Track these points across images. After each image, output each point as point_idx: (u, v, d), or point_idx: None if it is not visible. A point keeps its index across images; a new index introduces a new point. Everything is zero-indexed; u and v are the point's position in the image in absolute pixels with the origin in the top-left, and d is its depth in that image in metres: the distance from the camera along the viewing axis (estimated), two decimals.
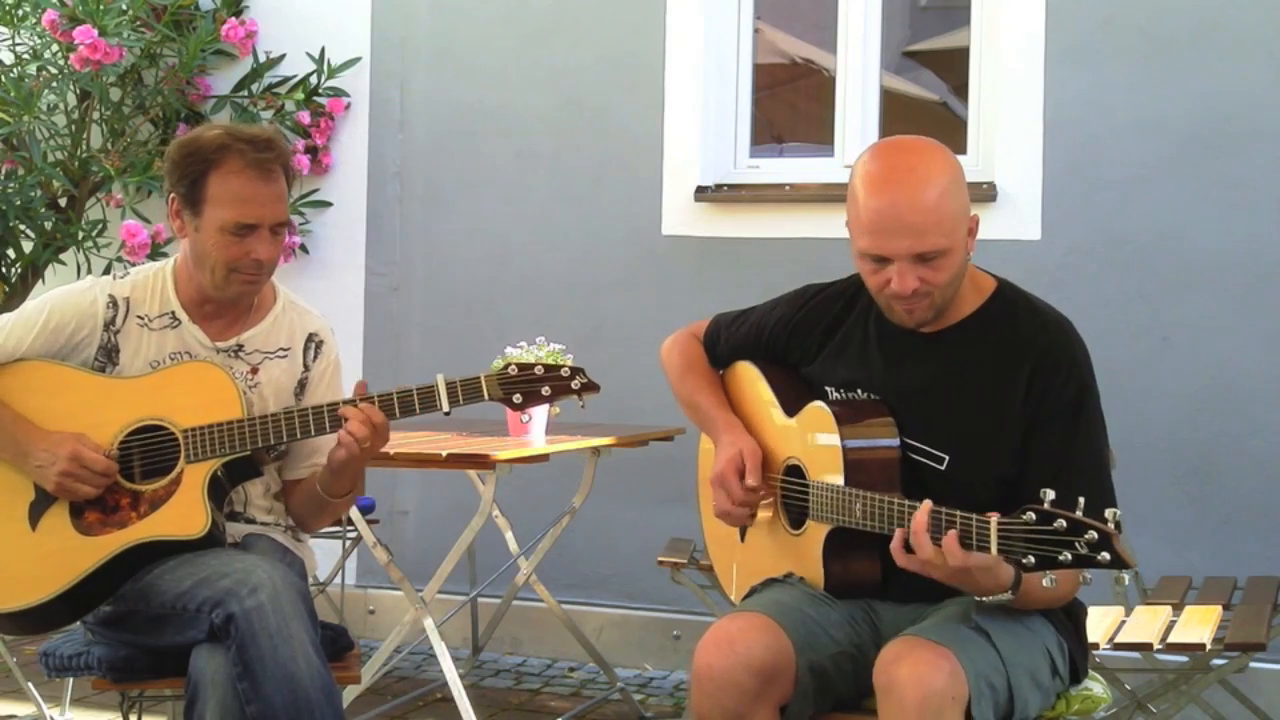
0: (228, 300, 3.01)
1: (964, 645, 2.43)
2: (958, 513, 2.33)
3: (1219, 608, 3.76)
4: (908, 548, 2.40)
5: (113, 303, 3.01)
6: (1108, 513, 2.18)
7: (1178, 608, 3.81)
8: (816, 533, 2.68)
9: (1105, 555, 2.15)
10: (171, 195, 2.98)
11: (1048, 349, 2.61)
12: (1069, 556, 2.17)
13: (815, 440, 2.71)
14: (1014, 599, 2.43)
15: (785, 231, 5.02)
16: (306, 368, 3.10)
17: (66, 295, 3.02)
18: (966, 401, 2.62)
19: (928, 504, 2.38)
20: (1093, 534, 2.16)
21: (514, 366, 2.88)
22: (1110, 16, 4.68)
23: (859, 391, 2.72)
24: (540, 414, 4.04)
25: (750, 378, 2.93)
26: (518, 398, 2.87)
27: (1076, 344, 2.64)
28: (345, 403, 2.89)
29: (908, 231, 2.51)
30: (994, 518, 2.27)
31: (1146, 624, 3.63)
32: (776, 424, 2.83)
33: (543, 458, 4.01)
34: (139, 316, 3.01)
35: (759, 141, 5.47)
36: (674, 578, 4.20)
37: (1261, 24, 4.54)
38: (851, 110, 5.08)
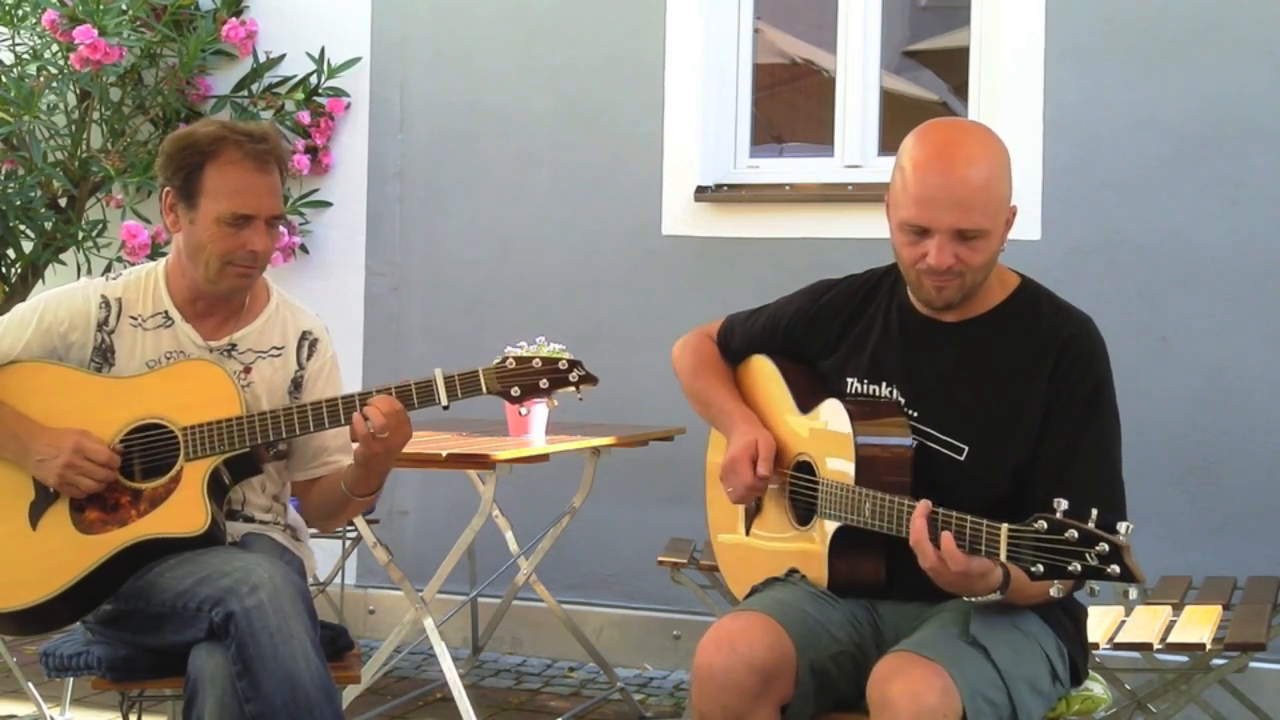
0: (221, 296, 3.01)
1: (958, 662, 2.43)
2: (967, 518, 2.34)
3: (1219, 608, 3.75)
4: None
5: (105, 303, 3.01)
6: (1120, 526, 2.18)
7: (1178, 608, 3.81)
8: (823, 530, 2.69)
9: (1115, 568, 2.16)
10: (166, 189, 2.98)
11: (1069, 344, 2.62)
12: (1078, 567, 2.18)
13: (827, 438, 2.71)
14: (1004, 598, 2.43)
15: (785, 231, 5.02)
16: (301, 366, 3.09)
17: (59, 296, 3.03)
18: (988, 393, 2.63)
19: (925, 504, 2.38)
20: (1104, 546, 2.16)
21: (512, 360, 2.87)
22: (1110, 16, 4.68)
23: (881, 384, 2.72)
24: (540, 412, 4.04)
25: (765, 373, 2.93)
26: (516, 390, 2.86)
27: (1097, 341, 2.66)
28: (346, 397, 2.89)
29: (955, 205, 2.53)
30: (1004, 526, 2.28)
31: (1146, 624, 3.63)
32: (789, 420, 2.83)
33: (543, 458, 4.01)
34: (132, 317, 3.01)
35: (759, 141, 5.47)
36: (674, 578, 4.20)
37: (1261, 24, 4.54)
38: (851, 110, 5.08)
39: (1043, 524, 2.22)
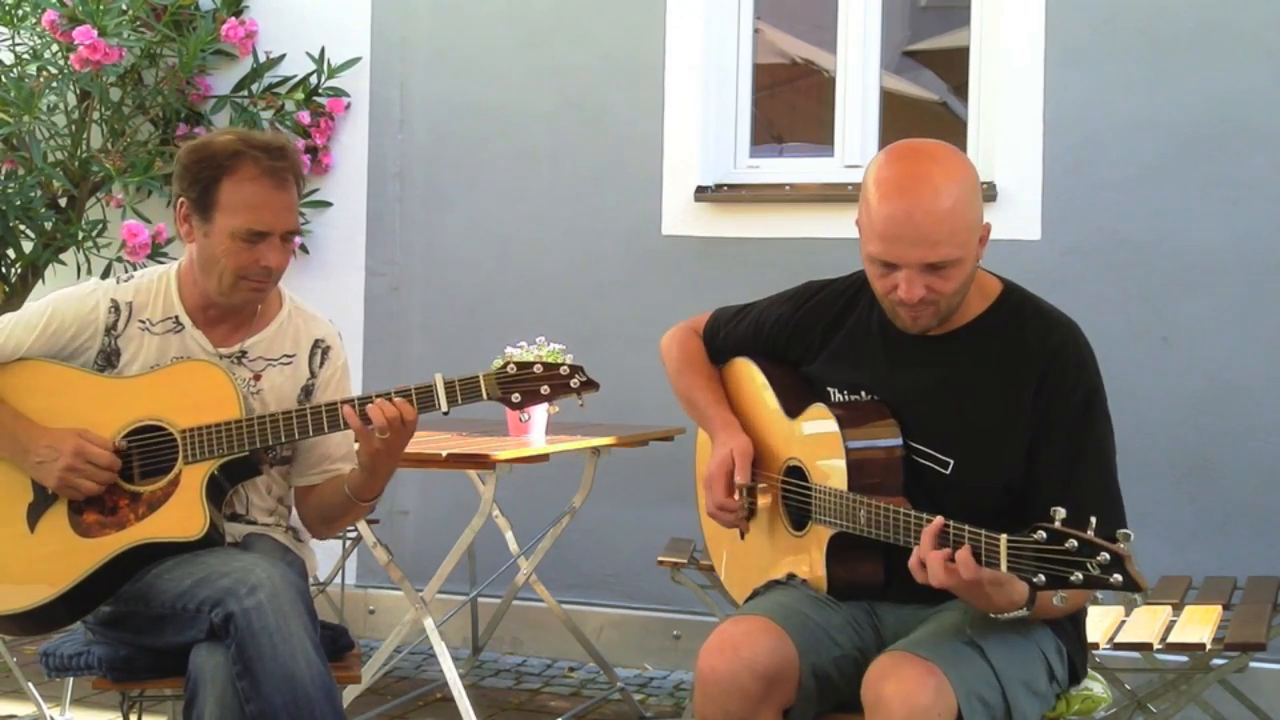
0: (232, 307, 3.01)
1: (953, 660, 2.42)
2: (965, 528, 2.32)
3: (1219, 608, 3.75)
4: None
5: (115, 307, 3.00)
6: (1120, 534, 2.16)
7: (1178, 608, 3.81)
8: (819, 535, 2.68)
9: (1118, 577, 2.13)
10: (181, 200, 2.97)
11: (1056, 353, 2.58)
12: (1080, 577, 2.16)
13: (817, 442, 2.70)
14: (1030, 615, 2.41)
15: (785, 231, 5.02)
16: (313, 374, 3.09)
17: (68, 298, 3.02)
18: (973, 405, 2.60)
19: (939, 521, 2.35)
20: (1105, 555, 2.14)
21: (513, 365, 2.86)
22: (1110, 16, 4.68)
23: (862, 393, 2.70)
24: (540, 413, 4.04)
25: (750, 376, 2.92)
26: (516, 397, 2.85)
27: (1084, 347, 2.62)
28: (345, 402, 2.88)
29: (920, 241, 2.48)
30: (1004, 536, 2.25)
31: (1146, 624, 3.63)
32: (777, 424, 2.82)
33: (543, 458, 4.00)
34: (141, 321, 3.01)
35: (759, 141, 5.47)
36: (674, 578, 4.20)
37: (1261, 24, 4.54)
38: (851, 110, 5.08)
39: (1042, 534, 2.19)
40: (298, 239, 5.36)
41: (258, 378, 3.03)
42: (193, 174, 2.93)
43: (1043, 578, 2.20)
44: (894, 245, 2.51)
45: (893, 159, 2.58)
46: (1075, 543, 2.16)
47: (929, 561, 2.34)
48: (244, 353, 3.03)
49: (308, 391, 3.08)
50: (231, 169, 2.90)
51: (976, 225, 2.55)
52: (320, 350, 3.11)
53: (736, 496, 2.79)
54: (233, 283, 2.94)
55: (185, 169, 2.95)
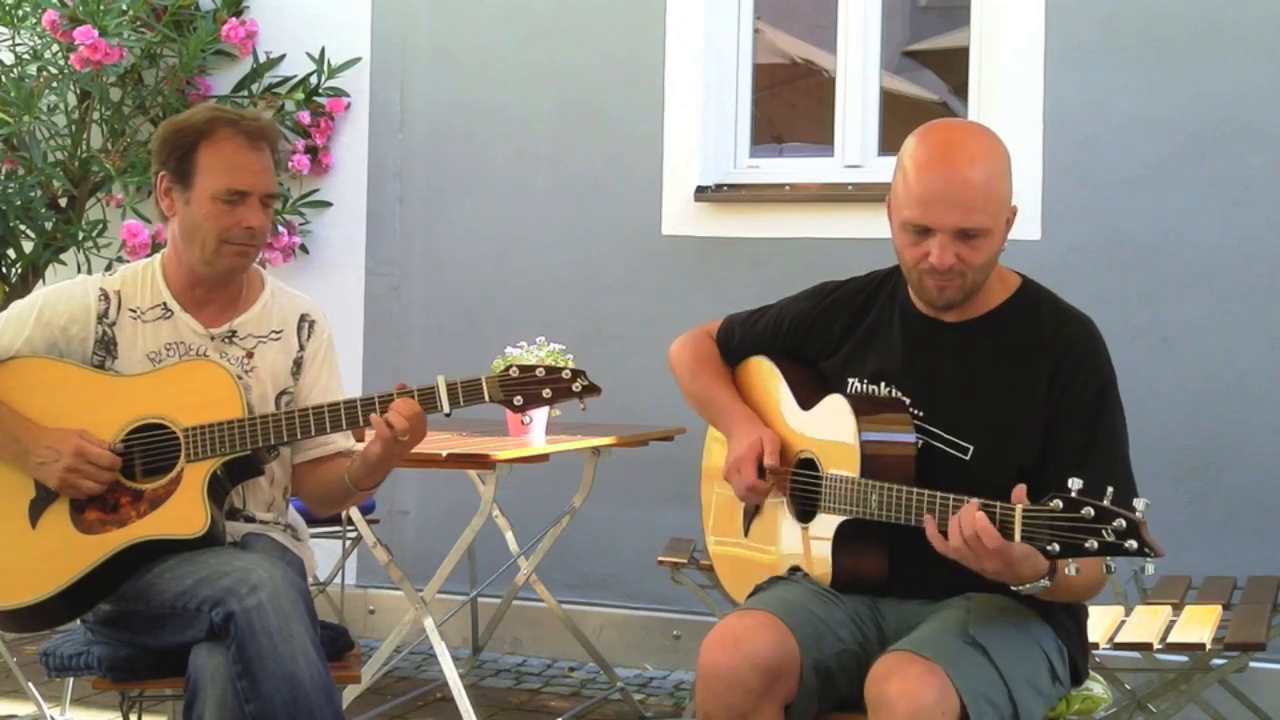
0: (218, 280, 3.02)
1: (956, 661, 2.43)
2: (982, 501, 2.35)
3: (1219, 607, 3.76)
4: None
5: (104, 295, 3.02)
6: (1137, 502, 2.20)
7: (1178, 607, 3.81)
8: (827, 526, 2.69)
9: (1133, 543, 2.17)
10: (161, 174, 3.00)
11: (1070, 345, 2.64)
12: (1095, 544, 2.19)
13: (831, 433, 2.72)
14: (1051, 586, 2.42)
15: (785, 231, 5.02)
16: (301, 347, 3.11)
17: (57, 290, 3.05)
18: (991, 394, 2.64)
19: (975, 503, 2.37)
20: (1120, 522, 2.18)
21: (515, 368, 2.87)
22: (1110, 16, 4.68)
23: (883, 384, 2.73)
24: (540, 414, 4.04)
25: (765, 371, 2.94)
26: (519, 400, 2.86)
27: (1098, 340, 2.68)
28: (348, 403, 2.89)
29: (957, 205, 2.55)
30: (1019, 506, 2.29)
31: (1146, 624, 3.63)
32: (791, 417, 2.84)
33: (543, 458, 4.01)
34: (131, 310, 3.02)
35: (759, 141, 5.48)
36: (674, 578, 4.20)
37: (1261, 24, 4.54)
38: (851, 110, 5.08)
39: (1058, 503, 2.23)
40: (297, 239, 5.42)
41: (250, 356, 3.05)
42: (170, 145, 2.97)
43: (1057, 546, 2.23)
44: (931, 208, 2.56)
45: (930, 132, 2.66)
46: (1091, 510, 2.19)
47: (953, 533, 2.36)
48: (234, 332, 3.05)
49: (298, 364, 3.10)
50: (208, 133, 2.95)
51: (1007, 201, 2.63)
52: (306, 324, 3.13)
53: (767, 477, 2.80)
54: (216, 248, 2.96)
55: (163, 142, 2.99)
